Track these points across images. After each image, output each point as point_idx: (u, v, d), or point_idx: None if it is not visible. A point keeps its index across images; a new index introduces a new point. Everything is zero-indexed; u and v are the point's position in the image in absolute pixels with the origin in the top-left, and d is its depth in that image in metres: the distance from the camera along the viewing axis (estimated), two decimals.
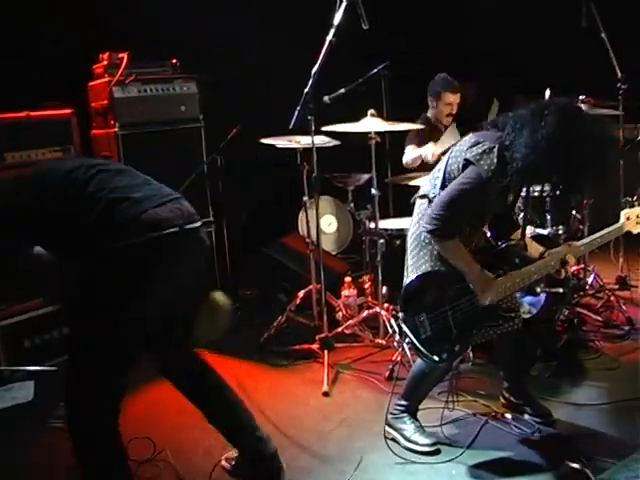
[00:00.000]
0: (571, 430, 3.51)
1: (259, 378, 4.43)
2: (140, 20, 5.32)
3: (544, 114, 3.00)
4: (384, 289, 4.79)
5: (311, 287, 4.82)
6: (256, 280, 5.94)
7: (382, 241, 4.77)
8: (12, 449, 3.71)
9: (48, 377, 4.40)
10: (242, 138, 5.30)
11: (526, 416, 3.59)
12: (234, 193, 5.75)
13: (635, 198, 4.02)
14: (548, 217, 4.61)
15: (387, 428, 3.54)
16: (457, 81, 5.36)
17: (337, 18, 4.14)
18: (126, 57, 5.01)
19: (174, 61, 5.38)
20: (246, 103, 5.80)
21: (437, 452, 3.39)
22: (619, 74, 5.04)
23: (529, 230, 3.94)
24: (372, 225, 4.95)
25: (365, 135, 4.65)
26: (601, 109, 4.71)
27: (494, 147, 3.08)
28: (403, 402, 3.54)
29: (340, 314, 5.01)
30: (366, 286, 5.16)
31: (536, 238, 3.64)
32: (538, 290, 3.31)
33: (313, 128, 4.28)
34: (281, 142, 4.85)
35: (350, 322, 4.82)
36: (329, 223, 6.27)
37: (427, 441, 3.43)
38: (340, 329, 4.78)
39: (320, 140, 4.64)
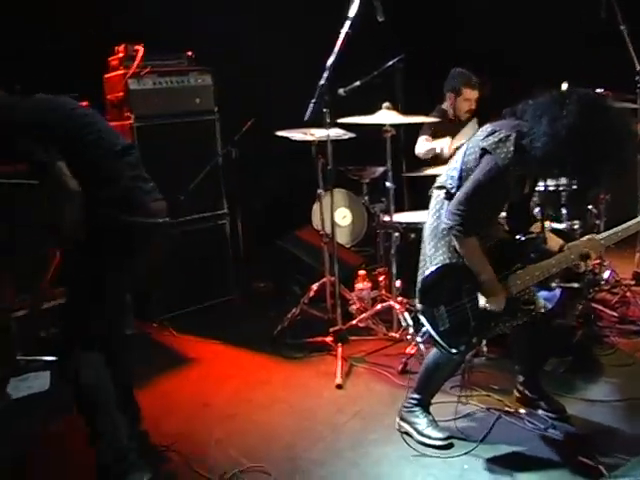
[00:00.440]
0: (585, 426, 3.49)
1: (273, 370, 4.44)
2: (155, 11, 5.33)
3: (565, 102, 2.95)
4: (398, 282, 4.78)
5: (325, 280, 4.82)
6: (270, 273, 5.95)
7: (397, 234, 4.76)
8: (27, 438, 3.74)
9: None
10: (257, 130, 5.30)
11: (540, 411, 3.57)
12: (248, 186, 5.77)
13: None
14: (564, 212, 4.57)
15: (400, 422, 3.54)
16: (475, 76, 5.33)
17: (353, 10, 4.12)
18: (141, 49, 5.02)
19: (189, 53, 5.39)
20: (261, 95, 5.81)
21: (450, 446, 3.38)
22: (638, 67, 4.98)
23: (545, 224, 3.91)
24: (387, 218, 4.94)
25: (380, 128, 4.64)
26: (620, 102, 4.66)
27: (510, 135, 3.05)
28: (416, 395, 3.53)
29: (354, 307, 5.00)
30: (380, 279, 5.14)
31: (552, 233, 3.61)
32: (553, 285, 3.29)
33: (328, 121, 4.28)
34: (296, 135, 4.85)
35: (364, 315, 4.81)
36: (343, 216, 6.27)
37: (440, 435, 3.42)
38: (354, 322, 4.78)
39: (335, 133, 4.62)
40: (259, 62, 5.82)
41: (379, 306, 4.83)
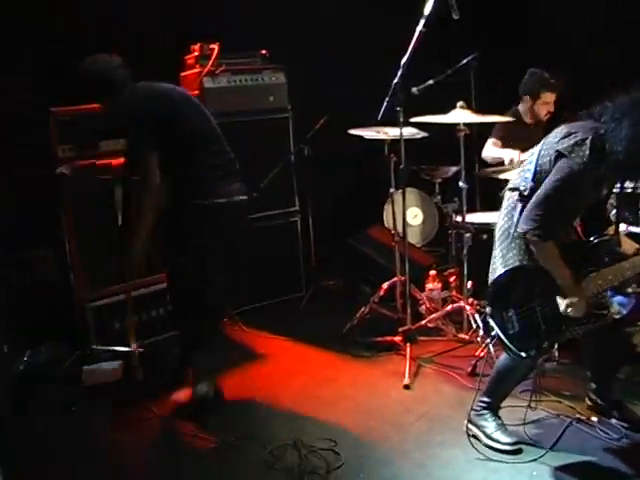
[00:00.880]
0: None
1: (341, 368, 4.45)
2: (231, 11, 5.40)
3: None
4: (469, 283, 4.73)
5: (395, 279, 4.80)
6: (340, 271, 5.96)
7: (468, 235, 4.71)
8: (101, 425, 3.88)
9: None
10: (329, 129, 5.32)
11: (613, 420, 3.49)
12: (320, 183, 5.78)
13: None
14: None
15: (468, 424, 3.50)
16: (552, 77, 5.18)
17: (428, 8, 4.08)
18: (217, 48, 5.09)
19: (263, 52, 5.44)
20: (334, 94, 5.82)
21: (519, 451, 3.33)
22: None
23: (622, 228, 3.80)
24: (459, 218, 4.89)
25: (453, 127, 4.60)
26: None
27: (587, 138, 2.99)
28: (485, 399, 3.49)
29: (424, 307, 4.97)
30: (451, 280, 5.10)
31: (629, 237, 3.52)
32: (630, 290, 3.20)
33: (401, 119, 4.26)
34: (369, 133, 4.84)
35: (434, 316, 4.78)
36: (414, 215, 6.23)
37: (509, 440, 3.37)
38: (423, 322, 4.75)
39: (408, 132, 4.60)
40: (333, 60, 5.83)
41: (449, 307, 4.79)
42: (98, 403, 4.10)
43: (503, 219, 3.35)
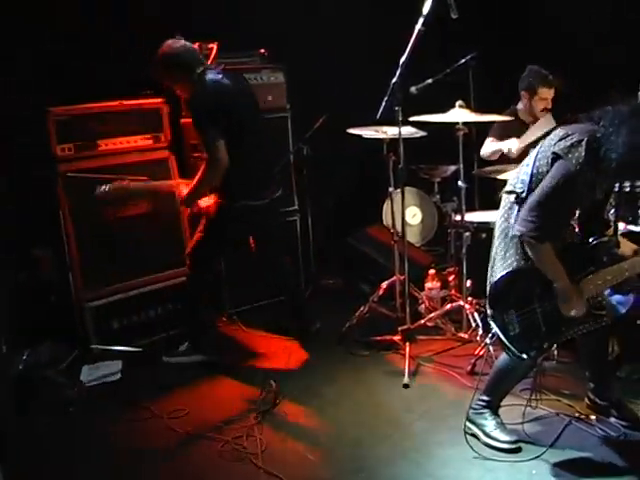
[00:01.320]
0: None
1: (340, 367, 4.45)
2: (230, 10, 5.40)
3: None
4: (468, 282, 4.73)
5: (394, 278, 4.80)
6: (339, 270, 5.96)
7: (468, 234, 4.71)
8: (100, 425, 3.87)
9: (134, 358, 4.55)
10: (328, 128, 5.31)
11: (612, 419, 3.50)
12: (319, 183, 5.78)
13: None
14: None
15: (467, 423, 3.51)
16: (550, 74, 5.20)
17: (426, 7, 4.08)
18: (215, 47, 5.08)
19: (262, 51, 5.43)
20: (333, 93, 5.81)
21: (518, 450, 3.34)
22: None
23: (621, 227, 3.81)
24: (458, 217, 4.89)
25: (452, 126, 4.60)
26: None
27: (583, 140, 3.00)
28: (485, 397, 3.50)
29: (423, 306, 4.98)
30: (450, 279, 5.10)
31: (628, 235, 3.52)
32: (627, 289, 3.21)
33: (400, 119, 4.26)
34: (368, 132, 4.84)
35: (433, 315, 4.79)
36: (413, 214, 6.22)
37: (508, 438, 3.38)
38: (422, 321, 4.76)
39: (407, 131, 4.60)
40: (332, 60, 5.82)
41: (448, 306, 4.80)
42: (97, 403, 4.10)
43: (500, 221, 3.36)
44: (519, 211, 3.16)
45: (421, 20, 4.09)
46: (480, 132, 5.38)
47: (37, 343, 4.44)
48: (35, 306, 4.63)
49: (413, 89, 4.76)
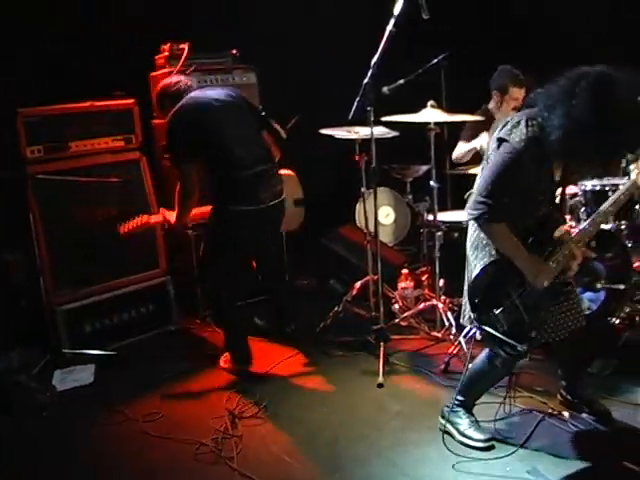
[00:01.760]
0: (630, 430, 3.44)
1: (315, 367, 4.45)
2: (201, 10, 5.38)
3: (575, 92, 2.87)
4: (441, 282, 4.76)
5: (368, 278, 4.82)
6: (313, 270, 5.96)
7: (440, 233, 4.74)
8: (74, 429, 3.83)
9: (108, 361, 4.53)
10: (301, 128, 5.30)
11: (584, 414, 3.53)
12: None
13: None
14: None
15: (442, 421, 3.52)
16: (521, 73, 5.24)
17: (397, 7, 4.09)
18: (187, 48, 5.06)
19: (234, 52, 5.42)
20: (305, 93, 5.81)
21: (491, 447, 3.36)
22: None
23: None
24: (430, 217, 4.92)
25: (424, 126, 4.62)
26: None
27: (521, 119, 3.03)
28: (460, 397, 3.50)
29: (396, 306, 5.00)
30: (423, 278, 5.13)
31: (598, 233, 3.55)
32: (598, 286, 3.24)
33: (372, 119, 4.26)
34: (340, 133, 4.84)
35: (406, 314, 4.80)
36: (386, 214, 6.24)
37: (481, 436, 3.39)
38: (396, 321, 4.78)
39: (379, 131, 4.61)
40: (303, 60, 5.82)
41: (422, 305, 4.82)
42: (70, 407, 4.06)
43: (471, 226, 3.36)
44: None
45: (392, 21, 4.09)
46: (452, 132, 5.41)
47: (8, 348, 4.39)
48: (5, 310, 4.57)
49: (385, 89, 4.78)
